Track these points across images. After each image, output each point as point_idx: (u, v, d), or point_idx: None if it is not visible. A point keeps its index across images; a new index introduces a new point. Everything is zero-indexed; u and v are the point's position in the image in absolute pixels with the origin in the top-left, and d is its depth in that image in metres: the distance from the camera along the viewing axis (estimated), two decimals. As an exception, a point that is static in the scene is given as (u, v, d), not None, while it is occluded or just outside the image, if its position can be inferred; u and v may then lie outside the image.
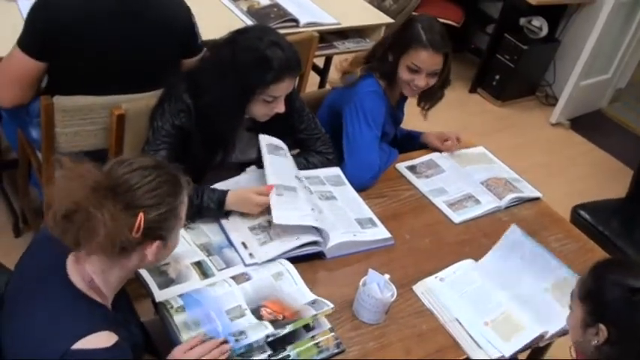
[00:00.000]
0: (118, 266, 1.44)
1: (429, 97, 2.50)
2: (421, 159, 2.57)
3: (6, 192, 3.13)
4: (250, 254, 1.90)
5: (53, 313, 1.39)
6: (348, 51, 3.33)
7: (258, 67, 1.95)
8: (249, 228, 1.98)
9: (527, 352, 2.35)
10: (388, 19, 3.47)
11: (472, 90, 5.24)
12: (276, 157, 2.08)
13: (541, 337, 1.88)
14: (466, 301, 1.93)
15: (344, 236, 2.02)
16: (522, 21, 4.95)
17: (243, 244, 1.93)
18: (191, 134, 2.05)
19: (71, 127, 2.29)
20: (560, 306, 1.97)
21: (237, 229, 1.98)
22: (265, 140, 2.10)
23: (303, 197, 2.02)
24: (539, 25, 4.89)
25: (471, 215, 2.32)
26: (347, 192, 2.24)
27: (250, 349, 1.60)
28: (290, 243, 1.92)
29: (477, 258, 2.11)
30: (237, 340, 1.59)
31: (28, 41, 2.11)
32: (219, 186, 2.04)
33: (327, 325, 1.75)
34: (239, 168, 2.23)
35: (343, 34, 3.37)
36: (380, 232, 2.11)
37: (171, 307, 1.67)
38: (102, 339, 1.35)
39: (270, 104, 2.03)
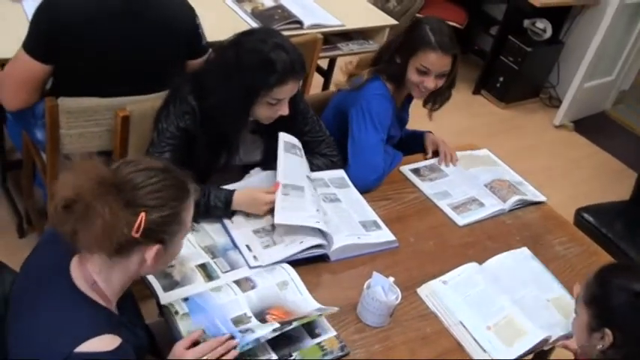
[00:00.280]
0: (118, 268, 1.44)
1: (437, 98, 2.50)
2: (425, 162, 2.57)
3: (10, 193, 3.14)
4: (254, 257, 1.90)
5: (56, 315, 1.39)
6: (352, 53, 3.33)
7: (262, 70, 1.95)
8: (253, 231, 1.98)
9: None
10: (392, 21, 3.47)
11: (476, 92, 5.24)
12: (291, 155, 2.09)
13: (545, 341, 1.88)
14: (469, 304, 1.93)
15: (348, 239, 2.02)
16: (526, 23, 4.95)
17: (248, 246, 1.93)
18: (196, 136, 2.06)
19: (76, 128, 2.29)
20: (562, 316, 1.97)
21: (242, 231, 1.98)
22: (283, 137, 2.11)
23: (310, 198, 2.02)
24: (543, 26, 4.89)
25: (475, 218, 2.31)
26: (351, 194, 2.24)
27: (256, 348, 1.59)
28: (293, 247, 1.92)
29: (480, 261, 2.11)
30: (243, 336, 1.58)
31: (33, 44, 2.12)
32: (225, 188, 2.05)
33: (332, 332, 1.74)
34: (243, 170, 2.23)
35: (347, 35, 3.37)
36: (384, 235, 2.11)
37: (177, 313, 1.67)
38: (105, 342, 1.35)
39: (274, 107, 2.03)
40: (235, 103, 2.00)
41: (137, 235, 1.36)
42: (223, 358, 1.56)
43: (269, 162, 2.15)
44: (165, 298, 1.72)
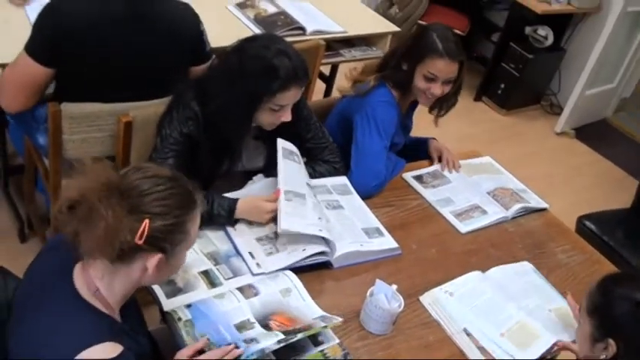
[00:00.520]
0: (120, 275, 1.43)
1: (443, 104, 2.50)
2: (427, 169, 2.57)
3: (12, 197, 3.13)
4: (257, 264, 1.90)
5: (58, 322, 1.39)
6: (355, 59, 3.33)
7: (264, 76, 1.95)
8: (256, 239, 1.98)
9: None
10: (394, 28, 3.47)
11: (477, 98, 5.25)
12: (290, 162, 2.09)
13: (555, 345, 1.87)
14: (477, 314, 1.92)
15: (351, 246, 2.01)
16: (528, 30, 4.95)
17: (251, 253, 1.93)
18: (199, 142, 2.05)
19: (78, 133, 2.29)
20: (564, 325, 1.97)
21: (245, 238, 1.98)
22: (281, 144, 2.10)
23: (311, 206, 2.02)
24: (544, 34, 4.90)
25: (477, 225, 2.31)
26: (354, 201, 2.24)
27: (260, 358, 1.59)
28: (296, 255, 1.92)
29: (483, 269, 2.10)
30: (248, 346, 1.58)
31: (36, 47, 2.12)
32: (229, 196, 2.05)
33: (335, 339, 1.74)
34: (245, 176, 2.23)
35: (350, 42, 3.37)
36: (387, 242, 2.10)
37: (179, 320, 1.67)
38: (106, 350, 1.34)
39: (276, 113, 2.03)
40: (238, 108, 2.00)
41: (140, 242, 1.35)
42: None
43: (272, 168, 2.15)
44: (168, 304, 1.72)
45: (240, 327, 1.67)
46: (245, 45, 2.02)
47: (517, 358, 1.81)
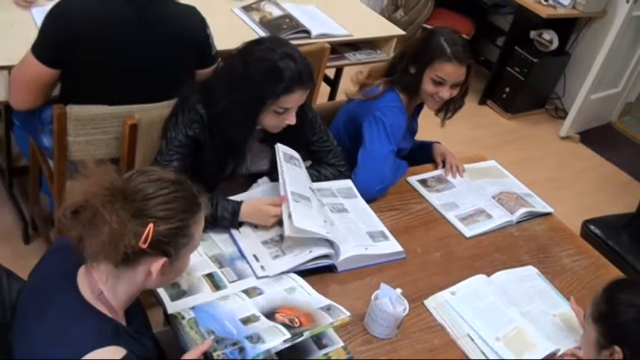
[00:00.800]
0: (124, 278, 1.43)
1: (450, 107, 2.50)
2: (432, 173, 2.57)
3: (16, 199, 3.14)
4: (262, 267, 1.90)
5: (61, 325, 1.39)
6: (360, 62, 3.34)
7: (269, 78, 1.95)
8: (261, 242, 1.98)
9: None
10: (400, 31, 3.47)
11: (482, 102, 5.24)
12: (291, 166, 2.08)
13: (553, 354, 1.87)
14: (477, 316, 1.92)
15: (355, 249, 2.01)
16: (533, 34, 4.95)
17: (255, 256, 1.93)
18: (204, 145, 2.05)
19: (83, 135, 2.30)
20: (568, 331, 1.96)
21: (249, 241, 1.98)
22: (281, 149, 2.10)
23: (316, 208, 2.01)
24: (549, 38, 4.89)
25: (482, 230, 2.31)
26: (358, 204, 2.24)
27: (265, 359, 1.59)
28: (303, 256, 1.92)
29: (488, 273, 2.10)
30: (254, 347, 1.57)
31: (41, 48, 2.13)
32: (233, 199, 2.04)
33: (340, 343, 1.74)
34: (250, 179, 2.23)
35: (355, 45, 3.37)
36: (392, 246, 2.10)
37: (183, 319, 1.67)
38: (109, 353, 1.34)
39: (281, 115, 2.03)
40: (242, 111, 2.00)
41: (144, 246, 1.35)
42: None
43: (276, 171, 2.15)
44: (172, 307, 1.71)
45: (246, 321, 1.66)
46: (250, 47, 2.02)
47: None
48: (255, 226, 2.02)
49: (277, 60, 1.95)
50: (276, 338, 1.57)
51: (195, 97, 2.05)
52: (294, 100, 2.00)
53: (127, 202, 1.36)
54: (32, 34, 2.16)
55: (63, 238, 1.46)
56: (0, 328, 1.50)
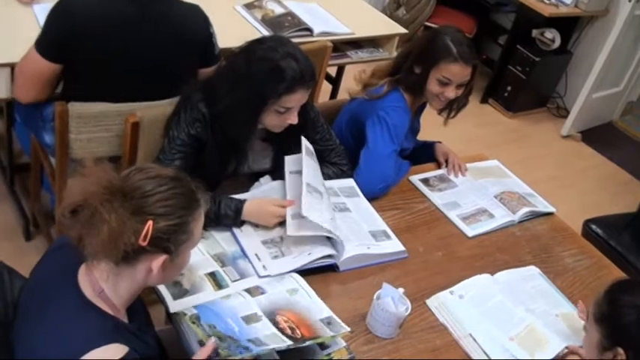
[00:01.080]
0: (125, 276, 1.42)
1: (454, 106, 2.50)
2: (434, 172, 2.57)
3: (18, 196, 3.13)
4: (264, 266, 1.89)
5: (63, 323, 1.39)
6: (362, 61, 3.33)
7: (271, 77, 1.94)
8: (261, 241, 1.98)
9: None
10: (402, 30, 3.46)
11: (483, 101, 5.24)
12: (311, 161, 2.09)
13: (562, 352, 1.86)
14: (487, 317, 1.92)
15: (358, 249, 2.01)
16: (535, 32, 4.95)
17: (257, 255, 1.93)
18: (206, 143, 2.05)
19: (85, 133, 2.29)
20: (571, 331, 1.96)
21: (251, 240, 1.98)
22: (305, 143, 2.11)
23: (326, 205, 2.01)
24: (551, 36, 4.89)
25: (484, 229, 2.30)
26: (361, 204, 2.23)
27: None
28: (302, 259, 1.92)
29: (491, 272, 2.10)
30: (257, 347, 1.57)
31: (45, 44, 2.13)
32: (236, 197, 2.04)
33: (342, 343, 1.74)
34: (252, 178, 2.23)
35: (357, 43, 3.36)
36: (394, 245, 2.10)
37: (185, 315, 1.66)
38: (111, 351, 1.34)
39: (282, 115, 2.03)
40: (244, 110, 2.00)
41: (144, 244, 1.35)
42: None
43: (278, 170, 2.15)
44: (174, 306, 1.71)
45: (248, 319, 1.67)
46: (253, 47, 2.02)
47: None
48: (256, 225, 2.02)
49: (279, 59, 1.95)
50: (279, 345, 1.58)
51: (197, 96, 2.05)
52: (296, 99, 2.00)
53: (126, 199, 1.35)
54: (34, 32, 2.16)
55: (64, 236, 1.46)
56: (1, 326, 1.49)
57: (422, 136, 2.78)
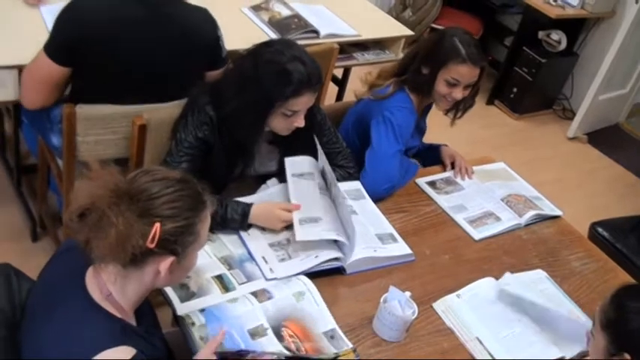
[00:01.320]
0: (133, 278, 1.43)
1: (460, 106, 2.50)
2: (440, 175, 2.56)
3: (24, 197, 3.14)
4: (271, 269, 1.90)
5: (70, 326, 1.39)
6: (368, 62, 3.33)
7: (277, 80, 1.95)
8: (268, 244, 1.98)
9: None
10: (408, 32, 3.46)
11: (489, 102, 5.24)
12: (297, 180, 2.09)
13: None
14: (493, 320, 1.92)
15: (364, 251, 2.00)
16: (541, 34, 4.94)
17: (264, 258, 1.93)
18: (213, 146, 2.05)
19: (92, 135, 2.30)
20: (576, 336, 1.94)
21: (258, 243, 1.98)
22: (288, 164, 2.11)
23: (325, 217, 2.00)
24: (557, 38, 4.88)
25: (491, 232, 2.30)
26: (367, 206, 2.23)
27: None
28: (309, 262, 1.92)
29: (497, 276, 2.09)
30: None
31: (54, 48, 2.13)
32: (243, 200, 2.05)
33: (349, 344, 1.74)
34: (258, 180, 2.23)
35: (363, 45, 3.36)
36: (401, 248, 2.10)
37: (193, 324, 1.67)
38: (118, 354, 1.34)
39: (289, 118, 2.03)
40: (251, 113, 2.00)
41: (152, 246, 1.35)
42: None
43: (284, 173, 2.15)
44: (181, 309, 1.72)
45: (254, 333, 1.67)
46: (260, 50, 2.02)
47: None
48: (263, 228, 2.02)
49: (286, 62, 1.95)
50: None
51: (204, 99, 2.05)
52: (303, 102, 2.00)
53: (133, 202, 1.36)
54: (41, 33, 2.17)
55: (71, 239, 1.46)
56: (9, 328, 1.50)
57: (428, 138, 2.78)
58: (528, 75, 4.95)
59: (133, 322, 1.49)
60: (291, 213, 1.97)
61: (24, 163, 3.18)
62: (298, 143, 2.16)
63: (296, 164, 2.12)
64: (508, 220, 2.37)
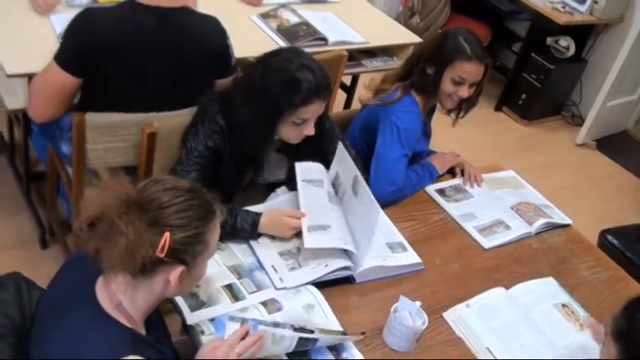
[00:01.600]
0: (143, 288, 1.43)
1: (463, 105, 2.51)
2: (450, 182, 2.55)
3: (34, 204, 3.15)
4: (280, 278, 1.89)
5: (80, 335, 1.39)
6: (377, 69, 3.32)
7: (287, 89, 1.95)
8: (278, 253, 1.98)
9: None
10: (416, 39, 3.46)
11: (497, 108, 5.22)
12: (308, 185, 2.08)
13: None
14: (503, 330, 1.91)
15: (374, 260, 2.00)
16: (549, 40, 4.93)
17: (273, 267, 1.93)
18: (223, 155, 2.05)
19: (102, 143, 2.30)
20: (588, 346, 1.93)
21: (268, 251, 1.98)
22: (299, 169, 2.11)
23: (335, 224, 2.00)
24: (566, 44, 4.87)
25: (501, 241, 2.29)
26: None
27: None
28: (319, 270, 1.91)
29: (507, 285, 2.08)
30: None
31: (66, 58, 2.12)
32: (252, 209, 2.04)
33: (359, 355, 1.74)
34: (267, 188, 2.23)
35: (371, 52, 3.36)
36: (410, 257, 2.09)
37: (202, 333, 1.67)
38: None
39: (299, 126, 2.03)
40: (261, 122, 2.00)
41: (162, 255, 1.36)
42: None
43: (293, 181, 2.15)
44: (191, 318, 1.72)
45: None
46: (269, 58, 2.03)
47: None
48: (273, 237, 2.02)
49: (295, 71, 1.95)
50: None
51: (214, 108, 2.06)
52: (313, 111, 2.00)
53: (143, 211, 1.36)
54: (52, 42, 2.17)
55: (81, 249, 1.47)
56: (20, 337, 1.50)
57: (435, 143, 2.77)
58: (537, 81, 4.95)
59: (142, 331, 1.49)
60: (299, 220, 1.97)
61: (33, 170, 3.18)
62: (307, 151, 2.16)
63: (307, 170, 2.12)
64: (518, 228, 2.36)
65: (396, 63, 3.39)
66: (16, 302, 1.54)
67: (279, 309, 1.78)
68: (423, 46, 2.49)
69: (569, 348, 1.94)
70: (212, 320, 1.71)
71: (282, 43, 2.95)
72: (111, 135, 2.29)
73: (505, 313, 1.97)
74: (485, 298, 2.01)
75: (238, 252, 1.97)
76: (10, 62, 2.31)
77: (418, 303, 1.80)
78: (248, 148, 2.06)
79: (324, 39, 3.08)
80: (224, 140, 2.04)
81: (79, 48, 2.10)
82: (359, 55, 3.30)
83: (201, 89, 2.22)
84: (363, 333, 1.76)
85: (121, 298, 1.43)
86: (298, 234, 1.98)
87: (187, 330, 1.73)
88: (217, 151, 2.05)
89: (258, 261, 1.95)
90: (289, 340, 1.60)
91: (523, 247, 2.31)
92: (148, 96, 2.24)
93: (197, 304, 1.76)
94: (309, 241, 1.91)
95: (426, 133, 2.66)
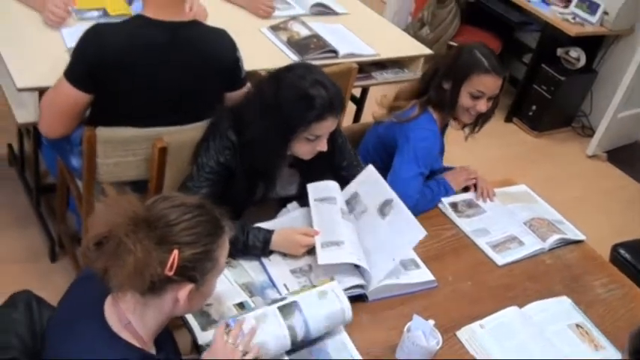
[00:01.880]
0: (152, 307, 1.42)
1: (479, 119, 2.50)
2: (462, 196, 2.53)
3: (43, 217, 3.14)
4: (292, 296, 1.87)
5: (88, 355, 1.38)
6: (387, 82, 3.32)
7: (300, 106, 1.94)
8: (290, 270, 1.96)
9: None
10: (427, 51, 3.45)
11: (508, 119, 5.20)
12: (320, 204, 2.07)
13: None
14: (517, 351, 1.89)
15: (387, 279, 1.97)
16: (560, 51, 4.91)
17: (285, 285, 1.91)
18: (235, 171, 2.04)
19: (112, 158, 2.29)
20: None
21: (279, 269, 1.96)
22: (312, 191, 2.10)
23: (348, 241, 1.98)
24: (576, 55, 4.85)
25: (514, 257, 2.26)
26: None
27: None
28: None
29: (520, 304, 2.05)
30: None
31: (77, 74, 2.11)
32: (263, 226, 2.03)
33: (358, 355, 1.73)
34: (279, 203, 2.22)
35: (381, 64, 3.35)
36: (423, 275, 2.06)
37: None
38: None
39: (312, 142, 2.02)
40: (274, 138, 1.99)
41: (171, 273, 1.34)
42: None
43: (304, 196, 2.13)
44: (203, 337, 1.70)
45: None
46: (281, 74, 2.01)
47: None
48: (284, 254, 2.01)
49: (308, 87, 1.94)
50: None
51: (225, 123, 2.04)
52: (326, 127, 1.99)
53: (151, 229, 1.35)
54: (62, 56, 2.16)
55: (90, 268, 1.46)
56: (30, 356, 1.49)
57: (446, 155, 2.75)
58: (547, 92, 4.92)
59: (152, 350, 1.48)
60: (312, 238, 1.95)
61: (43, 183, 3.18)
62: (318, 166, 2.15)
63: (318, 189, 2.11)
64: (532, 244, 2.33)
65: (407, 75, 3.38)
66: (26, 321, 1.54)
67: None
68: (438, 61, 2.47)
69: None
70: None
71: (292, 56, 2.94)
72: (122, 149, 2.28)
73: (520, 334, 1.94)
74: (499, 318, 1.98)
75: (250, 269, 1.96)
76: (21, 76, 2.30)
77: (432, 322, 1.79)
78: (260, 164, 2.05)
79: (334, 51, 3.06)
80: (236, 156, 2.03)
81: (89, 64, 2.09)
82: (369, 67, 3.29)
83: (211, 102, 2.21)
84: (332, 279, 1.78)
85: (130, 318, 1.42)
86: (310, 251, 1.97)
87: (198, 348, 1.71)
88: (229, 166, 2.04)
89: (270, 279, 1.93)
90: (272, 315, 1.62)
91: (537, 264, 2.28)
92: (158, 109, 2.23)
93: (208, 322, 1.75)
94: (323, 257, 1.89)
95: (441, 150, 2.65)
